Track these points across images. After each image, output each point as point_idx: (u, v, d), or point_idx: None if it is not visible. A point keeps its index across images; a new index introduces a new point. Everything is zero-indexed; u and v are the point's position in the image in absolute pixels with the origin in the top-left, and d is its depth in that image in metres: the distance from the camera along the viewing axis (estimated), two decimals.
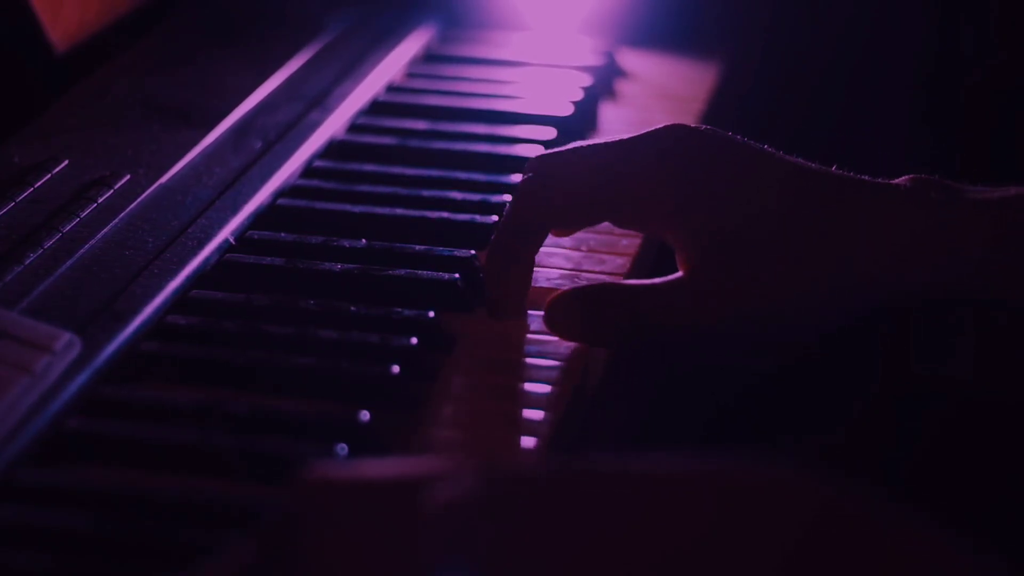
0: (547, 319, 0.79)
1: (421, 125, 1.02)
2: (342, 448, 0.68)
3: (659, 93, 1.13)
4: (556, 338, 0.79)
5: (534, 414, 0.74)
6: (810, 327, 0.77)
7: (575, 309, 0.78)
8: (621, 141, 0.79)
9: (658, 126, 0.80)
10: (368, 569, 0.50)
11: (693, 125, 0.79)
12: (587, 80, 1.09)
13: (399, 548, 0.51)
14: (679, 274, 0.77)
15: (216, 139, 0.95)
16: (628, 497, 0.52)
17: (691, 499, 0.51)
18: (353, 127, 1.02)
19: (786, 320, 0.76)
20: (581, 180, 0.79)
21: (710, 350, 0.80)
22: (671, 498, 0.51)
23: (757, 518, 0.51)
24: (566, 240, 0.88)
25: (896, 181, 0.77)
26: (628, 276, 0.86)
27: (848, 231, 0.75)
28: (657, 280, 0.77)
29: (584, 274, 0.86)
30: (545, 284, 0.84)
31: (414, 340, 0.77)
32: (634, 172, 0.78)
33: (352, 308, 0.79)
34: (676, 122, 0.80)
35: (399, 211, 0.90)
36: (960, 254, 0.75)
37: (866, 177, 0.77)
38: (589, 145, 0.81)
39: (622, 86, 1.13)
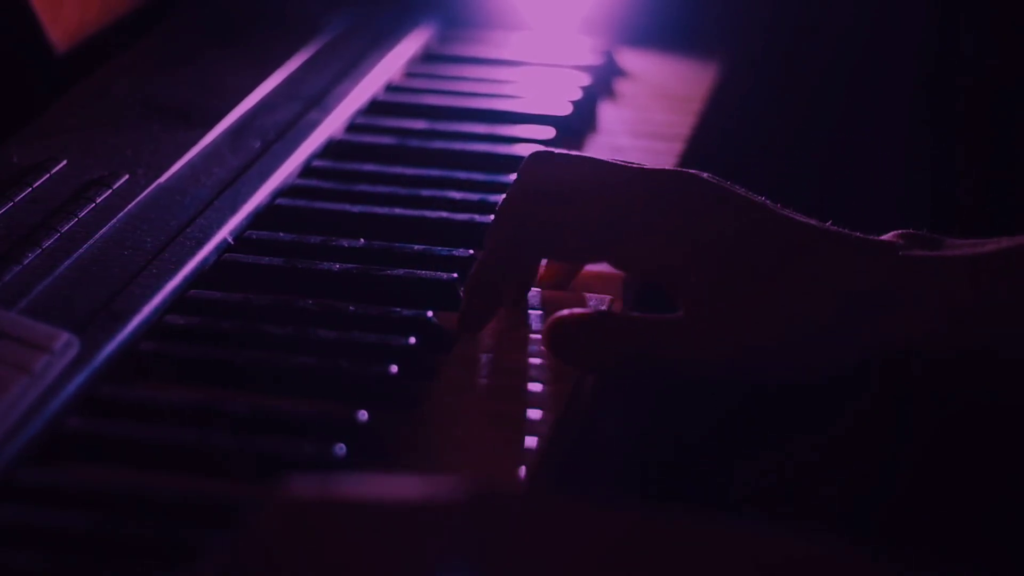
0: (547, 341, 0.78)
1: (420, 125, 1.02)
2: (341, 448, 0.68)
3: (658, 93, 1.13)
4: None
5: (533, 413, 0.74)
6: (801, 374, 0.77)
7: (577, 334, 0.77)
8: (625, 173, 0.79)
9: (666, 168, 0.80)
10: None
11: (696, 173, 0.79)
12: (586, 80, 1.09)
13: (383, 569, 0.51)
14: (679, 313, 0.77)
15: (215, 139, 0.95)
16: (601, 539, 0.52)
17: (663, 552, 0.52)
18: (352, 127, 1.02)
19: (780, 365, 0.77)
20: (580, 202, 0.79)
21: (705, 386, 0.81)
22: (630, 548, 0.52)
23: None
24: None
25: (885, 237, 0.78)
26: (624, 280, 0.86)
27: (837, 284, 0.76)
28: (659, 316, 0.77)
29: (585, 269, 0.86)
30: None
31: (413, 340, 0.77)
32: (635, 217, 0.78)
33: (351, 308, 0.79)
34: (679, 167, 0.80)
35: (398, 211, 0.90)
36: (948, 308, 0.76)
37: (857, 233, 0.78)
38: (595, 160, 0.80)
39: (621, 86, 1.13)
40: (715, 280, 0.76)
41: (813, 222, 0.78)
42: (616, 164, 0.80)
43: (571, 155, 0.81)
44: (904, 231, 0.78)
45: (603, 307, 0.82)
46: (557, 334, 0.78)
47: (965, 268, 0.76)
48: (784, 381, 0.78)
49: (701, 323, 0.76)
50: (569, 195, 0.79)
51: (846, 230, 0.78)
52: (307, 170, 0.95)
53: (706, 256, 0.77)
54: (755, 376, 0.78)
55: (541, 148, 0.82)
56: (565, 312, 0.78)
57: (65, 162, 0.89)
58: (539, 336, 0.79)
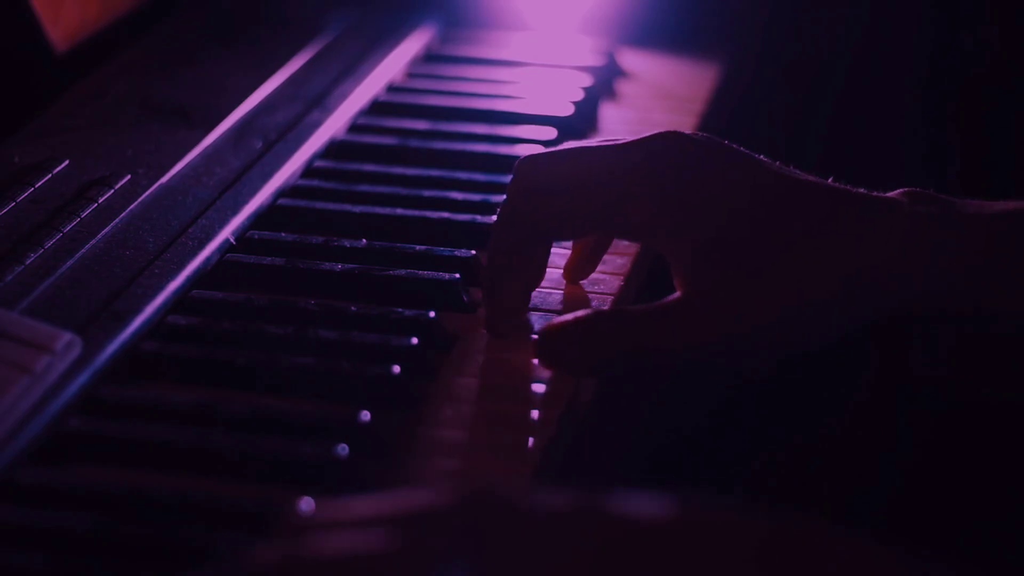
0: (540, 350, 0.76)
1: (421, 125, 1.02)
2: (343, 448, 0.68)
3: (659, 93, 1.13)
4: None
5: (534, 413, 0.74)
6: (805, 341, 0.76)
7: (570, 339, 0.76)
8: (613, 147, 0.78)
9: (652, 133, 0.79)
10: None
11: (688, 133, 0.78)
12: (587, 80, 1.09)
13: None
14: (676, 295, 0.76)
15: (216, 139, 0.95)
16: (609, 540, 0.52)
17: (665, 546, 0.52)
18: (353, 127, 1.02)
19: (782, 335, 0.75)
20: (571, 187, 0.78)
21: (709, 367, 0.80)
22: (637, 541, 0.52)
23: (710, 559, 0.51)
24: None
25: (890, 194, 0.77)
26: (629, 276, 0.86)
27: (841, 244, 0.75)
28: (654, 304, 0.76)
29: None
30: (546, 284, 0.84)
31: (414, 340, 0.77)
32: (628, 183, 0.77)
33: (352, 308, 0.79)
34: (672, 129, 0.79)
35: (399, 211, 0.90)
36: (954, 268, 0.74)
37: (861, 190, 0.77)
38: (579, 148, 0.80)
39: (622, 86, 1.13)
40: (715, 249, 0.75)
41: (814, 179, 0.77)
42: (604, 145, 0.79)
43: (557, 151, 0.80)
44: (910, 189, 0.76)
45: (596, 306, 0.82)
46: (547, 346, 0.77)
47: (971, 226, 0.75)
48: (788, 352, 0.77)
49: (702, 301, 0.75)
50: (564, 184, 0.78)
51: (848, 186, 0.77)
52: (309, 170, 0.95)
53: (704, 222, 0.75)
54: (758, 351, 0.76)
55: (528, 153, 0.82)
56: (551, 322, 0.77)
57: (67, 162, 0.89)
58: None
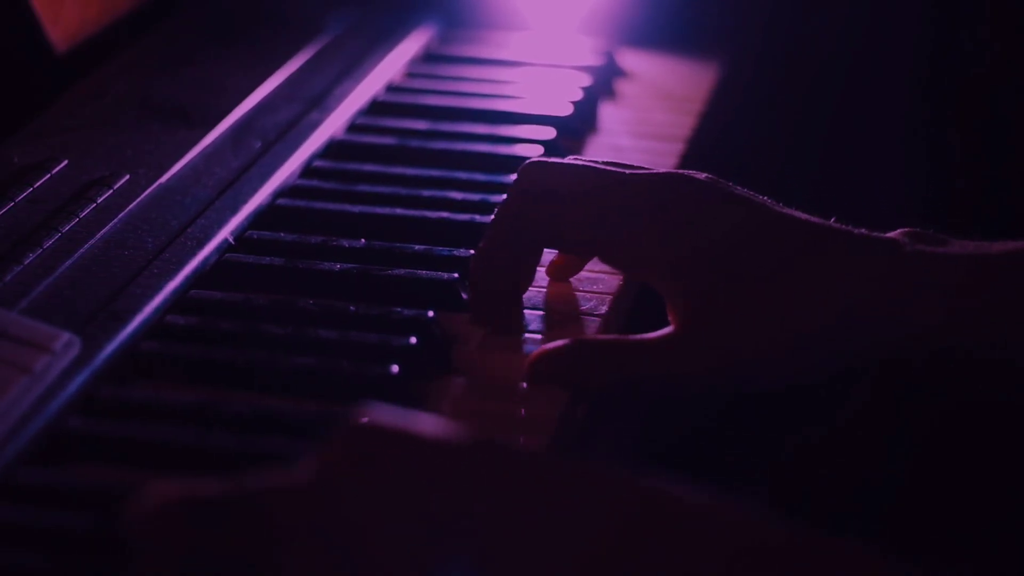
0: (530, 375, 0.76)
1: (421, 125, 1.02)
2: None
3: (659, 93, 1.13)
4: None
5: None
6: (803, 375, 0.76)
7: (558, 366, 0.76)
8: (621, 174, 0.79)
9: (660, 171, 0.79)
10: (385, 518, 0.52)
11: (692, 173, 0.79)
12: (587, 80, 1.09)
13: (415, 503, 0.52)
14: (669, 329, 0.76)
15: (216, 139, 0.95)
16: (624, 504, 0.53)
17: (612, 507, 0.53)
18: (353, 127, 1.02)
19: (778, 369, 0.76)
20: (572, 201, 0.78)
21: (698, 399, 0.80)
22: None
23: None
24: None
25: (891, 234, 0.77)
26: (624, 280, 0.86)
27: (838, 282, 0.75)
28: (647, 336, 0.76)
29: (581, 273, 0.86)
30: (544, 284, 0.84)
31: (414, 340, 0.77)
32: (629, 213, 0.77)
33: (352, 308, 0.79)
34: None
35: (399, 211, 0.90)
36: (953, 307, 0.75)
37: (862, 230, 0.77)
38: (587, 166, 0.80)
39: (622, 86, 1.13)
40: (710, 287, 0.76)
41: (816, 220, 0.77)
42: (611, 170, 0.79)
43: (565, 163, 0.81)
44: (910, 229, 0.77)
45: (596, 322, 0.81)
46: (537, 371, 0.77)
47: (971, 267, 0.75)
48: (780, 387, 0.78)
49: (693, 336, 0.75)
50: (565, 198, 0.79)
51: (849, 227, 0.77)
52: (308, 170, 0.95)
53: (701, 260, 0.76)
54: (751, 386, 0.77)
55: (536, 158, 0.82)
56: (542, 348, 0.77)
57: (66, 162, 0.89)
58: (538, 336, 0.79)
